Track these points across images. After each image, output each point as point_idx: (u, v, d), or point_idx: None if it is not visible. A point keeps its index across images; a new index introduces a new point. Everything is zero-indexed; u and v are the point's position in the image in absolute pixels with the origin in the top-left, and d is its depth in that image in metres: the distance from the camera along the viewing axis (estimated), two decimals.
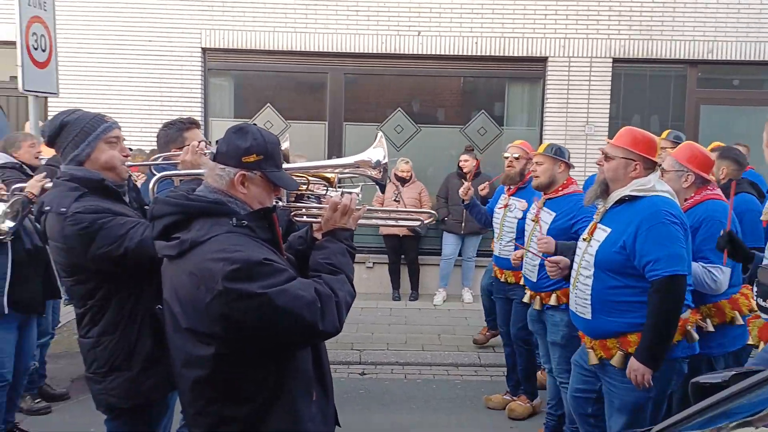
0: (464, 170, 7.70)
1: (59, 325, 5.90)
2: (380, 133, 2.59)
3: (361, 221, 2.35)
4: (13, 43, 6.21)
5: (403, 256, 8.38)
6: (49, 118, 7.95)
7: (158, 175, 2.67)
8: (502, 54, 8.49)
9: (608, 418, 3.23)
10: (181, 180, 2.68)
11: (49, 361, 5.34)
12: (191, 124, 3.37)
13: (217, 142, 3.24)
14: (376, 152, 2.45)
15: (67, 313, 6.57)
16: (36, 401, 4.95)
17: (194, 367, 2.00)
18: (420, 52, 8.51)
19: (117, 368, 2.60)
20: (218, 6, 8.44)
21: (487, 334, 6.46)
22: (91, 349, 2.64)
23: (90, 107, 2.99)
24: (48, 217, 2.57)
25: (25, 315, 4.25)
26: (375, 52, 8.49)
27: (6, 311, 4.03)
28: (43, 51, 6.31)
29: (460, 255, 8.19)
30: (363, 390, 5.68)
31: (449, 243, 8.13)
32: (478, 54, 8.50)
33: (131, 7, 8.41)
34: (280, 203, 2.29)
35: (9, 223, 3.21)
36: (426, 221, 2.52)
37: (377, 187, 2.53)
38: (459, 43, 8.47)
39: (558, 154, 4.27)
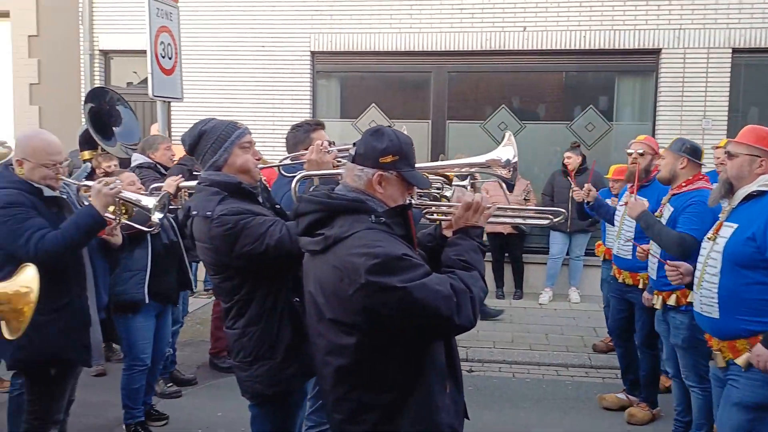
0: (568, 168, 7.56)
1: (186, 314, 6.32)
2: (509, 133, 2.63)
3: (490, 219, 2.40)
4: (139, 52, 6.70)
5: (507, 254, 8.33)
6: (173, 121, 8.46)
7: (299, 175, 2.83)
8: (611, 47, 8.25)
9: (720, 413, 3.12)
10: (320, 180, 2.83)
11: (177, 349, 5.73)
12: (317, 125, 3.53)
13: (333, 143, 3.40)
14: (506, 151, 2.49)
15: (191, 303, 7.02)
16: (168, 385, 5.33)
17: (337, 356, 2.13)
18: (525, 48, 8.42)
19: (262, 357, 2.76)
20: (326, 10, 8.70)
21: (610, 344, 6.15)
22: (237, 340, 2.81)
23: (208, 111, 3.22)
24: (195, 220, 2.76)
25: (162, 305, 4.60)
26: (479, 49, 8.48)
27: (146, 301, 4.38)
28: (170, 59, 6.77)
29: (567, 254, 8.05)
30: (472, 387, 5.71)
31: (557, 242, 8.00)
32: (586, 48, 8.30)
33: (246, 16, 8.83)
34: (414, 201, 2.38)
35: (158, 215, 3.52)
36: (555, 219, 2.53)
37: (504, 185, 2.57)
38: (565, 37, 8.31)
39: (681, 149, 4.13)
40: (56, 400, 3.37)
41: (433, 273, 2.07)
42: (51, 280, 3.18)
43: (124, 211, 3.60)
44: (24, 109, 9.31)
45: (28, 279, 1.38)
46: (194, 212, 2.76)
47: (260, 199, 2.90)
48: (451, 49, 8.54)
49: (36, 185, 3.23)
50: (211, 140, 2.78)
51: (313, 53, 8.84)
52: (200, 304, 7.75)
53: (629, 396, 5.06)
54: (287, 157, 3.49)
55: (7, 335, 1.36)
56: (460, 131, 8.85)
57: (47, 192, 3.26)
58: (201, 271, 6.86)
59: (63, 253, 3.13)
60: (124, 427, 4.54)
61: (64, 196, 3.48)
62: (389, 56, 8.77)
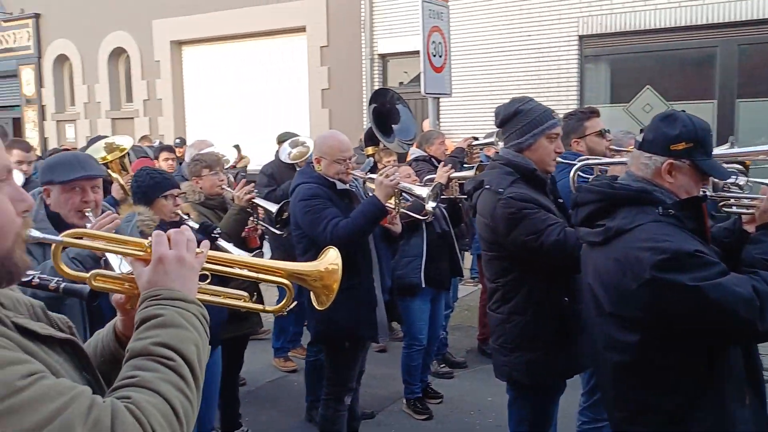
0: None
1: (456, 300, 6.60)
2: None
3: None
4: (412, 53, 7.12)
5: None
6: (441, 115, 8.80)
7: (579, 163, 2.79)
8: None
9: None
10: (600, 169, 2.76)
11: (448, 332, 6.02)
12: (592, 113, 3.42)
13: (607, 131, 3.25)
14: None
15: (459, 290, 7.31)
16: (441, 366, 5.65)
17: (616, 352, 2.06)
18: None
19: (521, 347, 2.80)
20: None
21: None
22: (500, 324, 2.88)
23: (473, 105, 3.31)
24: (483, 193, 2.86)
25: (436, 290, 4.89)
26: None
27: (423, 285, 4.69)
28: (440, 57, 7.09)
29: None
30: None
31: None
32: None
33: (511, 7, 8.87)
34: (709, 192, 2.20)
35: (431, 204, 3.76)
36: None
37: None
38: None
39: None
40: (350, 370, 3.79)
41: (730, 272, 1.90)
42: (344, 263, 3.58)
43: (401, 202, 3.88)
44: (317, 113, 10.54)
45: (333, 258, 1.60)
46: (487, 186, 2.84)
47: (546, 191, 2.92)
48: (742, 18, 7.58)
49: (330, 179, 3.64)
50: (523, 122, 2.82)
51: (580, 37, 8.55)
52: (467, 291, 8.01)
53: None
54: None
55: (317, 307, 1.60)
56: (752, 110, 7.83)
57: (339, 185, 3.65)
58: (468, 259, 7.11)
59: (353, 239, 3.48)
60: (404, 400, 4.92)
61: (353, 189, 3.86)
62: (666, 33, 8.10)
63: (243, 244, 4.00)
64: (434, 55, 7.01)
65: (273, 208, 4.18)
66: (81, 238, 1.32)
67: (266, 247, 5.36)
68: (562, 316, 2.74)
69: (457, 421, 4.79)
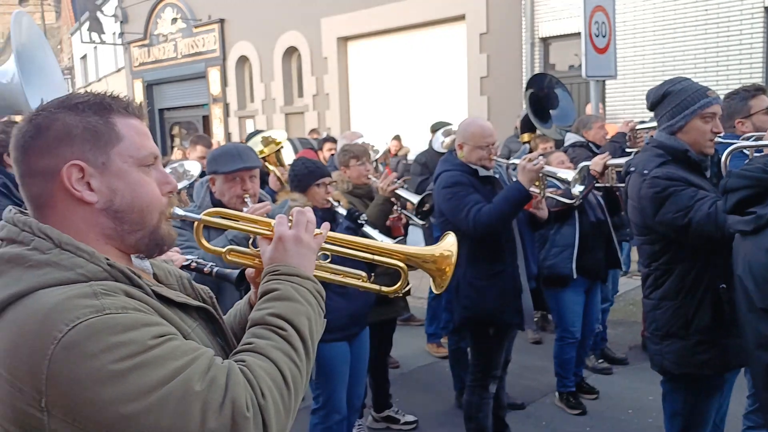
0: None
1: (617, 294, 6.30)
2: None
3: None
4: (575, 35, 6.85)
5: None
6: (607, 98, 8.39)
7: (732, 146, 2.58)
8: None
9: None
10: (756, 152, 2.53)
11: (608, 327, 5.76)
12: (757, 90, 3.11)
13: None
14: None
15: (623, 283, 6.96)
16: (599, 361, 5.43)
17: None
18: None
19: (673, 334, 2.67)
20: None
21: None
22: (651, 311, 2.77)
23: (643, 86, 3.12)
24: (632, 177, 2.80)
25: (590, 281, 4.70)
26: None
27: (574, 276, 4.53)
28: (603, 37, 6.76)
29: None
30: None
31: None
32: None
33: None
34: None
35: (578, 188, 3.63)
36: None
37: None
38: None
39: None
40: (494, 357, 3.79)
41: None
42: (488, 249, 3.59)
43: (547, 187, 3.79)
44: (476, 101, 10.52)
45: (449, 244, 1.64)
46: (632, 169, 2.80)
47: (708, 174, 2.75)
48: None
49: (473, 166, 3.65)
50: (673, 103, 2.72)
51: (767, 9, 7.68)
52: (634, 285, 7.59)
53: None
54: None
55: (434, 290, 1.66)
56: None
57: (482, 172, 3.64)
58: (635, 251, 6.73)
59: (496, 225, 3.46)
60: (556, 393, 4.81)
61: (497, 175, 3.84)
62: None
63: (387, 233, 4.14)
64: (597, 36, 6.70)
65: (415, 199, 4.27)
66: (218, 217, 1.48)
67: (418, 236, 5.49)
68: (717, 304, 2.56)
69: (612, 418, 4.59)
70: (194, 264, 2.31)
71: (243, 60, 15.04)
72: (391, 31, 11.83)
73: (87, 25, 18.27)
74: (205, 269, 2.30)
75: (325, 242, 1.47)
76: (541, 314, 6.16)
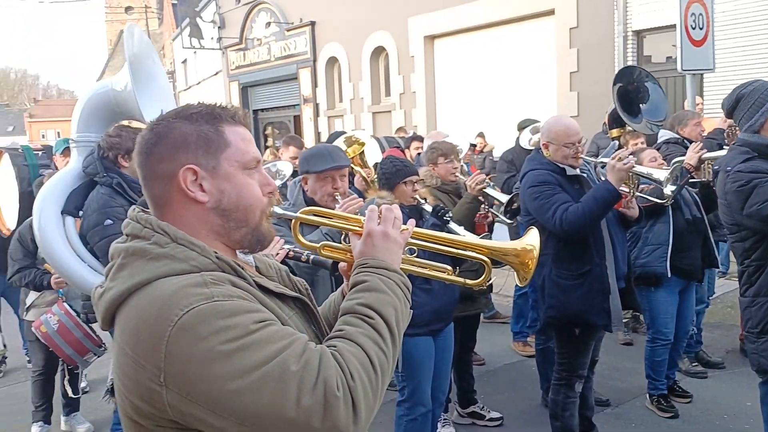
0: None
1: (713, 295, 6.05)
2: None
3: None
4: (671, 27, 6.61)
5: None
6: (705, 93, 8.11)
7: None
8: None
9: None
10: None
11: (704, 330, 5.55)
12: None
13: None
14: None
15: (721, 285, 6.67)
16: (693, 364, 5.25)
17: None
18: None
19: (766, 331, 2.62)
20: None
21: None
22: (746, 308, 2.77)
23: (744, 79, 3.06)
24: (719, 176, 2.82)
25: (685, 281, 4.56)
26: None
27: (668, 275, 4.41)
28: (700, 29, 6.49)
29: None
30: None
31: None
32: None
33: None
34: None
35: (670, 188, 3.54)
36: None
37: None
38: None
39: None
40: (580, 357, 3.76)
41: None
42: (575, 248, 3.57)
43: (638, 185, 3.71)
44: (565, 96, 10.32)
45: (532, 239, 1.71)
46: (716, 167, 2.85)
47: None
48: None
49: (560, 165, 3.63)
50: (748, 104, 2.79)
51: None
52: (732, 286, 7.25)
53: None
54: None
55: (518, 283, 1.73)
56: None
57: (569, 171, 3.62)
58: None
59: (583, 224, 3.43)
60: (647, 396, 4.70)
61: (584, 174, 3.80)
62: None
63: (472, 230, 4.19)
64: (693, 29, 6.45)
65: (503, 198, 4.29)
66: (313, 215, 1.61)
67: (504, 234, 5.49)
68: None
69: (705, 422, 4.44)
70: (292, 252, 2.49)
71: (332, 61, 15.40)
72: (477, 28, 11.79)
73: (187, 31, 19.25)
74: (303, 257, 2.48)
75: (411, 237, 1.56)
76: (633, 315, 6.01)
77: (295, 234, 1.62)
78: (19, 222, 4.94)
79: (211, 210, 1.34)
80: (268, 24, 16.86)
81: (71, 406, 4.90)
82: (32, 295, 4.66)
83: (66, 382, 4.65)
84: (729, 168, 2.69)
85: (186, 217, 1.33)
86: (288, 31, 16.29)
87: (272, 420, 1.15)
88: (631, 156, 3.49)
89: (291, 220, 1.60)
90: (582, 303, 3.54)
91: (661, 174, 3.55)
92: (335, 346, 1.26)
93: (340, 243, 1.62)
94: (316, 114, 16.02)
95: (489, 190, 4.26)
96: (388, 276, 1.40)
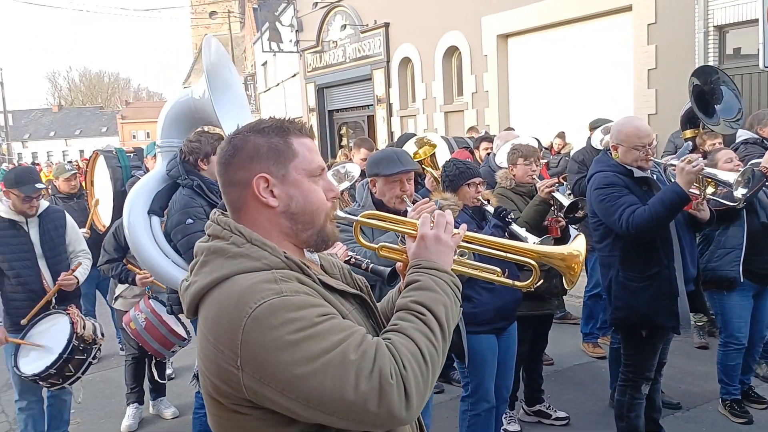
0: None
1: None
2: None
3: None
4: (753, 22, 6.38)
5: None
6: None
7: None
8: None
9: None
10: None
11: None
12: None
13: None
14: None
15: None
16: None
17: None
18: None
19: None
20: None
21: None
22: None
23: None
24: None
25: (759, 286, 4.44)
26: None
27: (741, 279, 4.31)
28: None
29: None
30: None
31: None
32: None
33: None
34: None
35: (741, 191, 3.45)
36: None
37: None
38: None
39: None
40: (647, 359, 3.75)
41: None
42: (642, 250, 3.57)
43: (707, 188, 3.65)
44: (642, 94, 10.05)
45: (578, 245, 1.78)
46: None
47: None
48: None
49: (628, 167, 3.62)
50: None
51: None
52: None
53: None
54: None
55: (566, 286, 1.81)
56: None
57: (637, 173, 3.60)
58: None
59: (650, 227, 3.42)
60: (720, 400, 4.61)
61: (654, 176, 3.77)
62: None
63: (544, 233, 4.24)
64: None
65: (567, 203, 4.30)
66: (372, 219, 1.75)
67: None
68: None
69: None
70: (353, 260, 2.63)
71: (405, 61, 15.55)
72: (551, 26, 11.64)
73: (267, 35, 19.88)
74: (363, 265, 2.60)
75: (463, 241, 1.69)
76: (709, 319, 5.87)
77: (356, 235, 1.77)
78: (113, 220, 5.35)
79: (281, 213, 1.51)
80: (344, 26, 17.20)
81: (158, 391, 5.28)
82: (121, 286, 5.06)
83: (153, 369, 5.01)
84: None
85: (259, 220, 1.50)
86: (363, 32, 16.56)
87: (333, 403, 1.29)
88: (700, 158, 3.45)
89: (353, 222, 1.76)
90: (649, 305, 3.54)
91: (731, 177, 3.45)
92: (390, 339, 1.39)
93: (398, 245, 1.76)
94: (389, 114, 16.21)
95: (557, 194, 4.29)
96: (439, 276, 1.53)
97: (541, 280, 1.77)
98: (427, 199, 3.25)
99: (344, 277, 1.69)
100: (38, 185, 4.28)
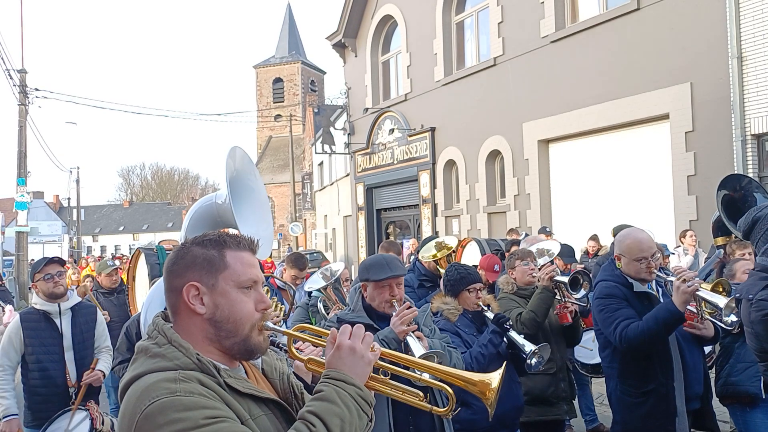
0: None
1: None
2: None
3: None
4: None
5: None
6: None
7: None
8: None
9: None
10: None
11: None
12: None
13: None
14: None
15: None
16: None
17: None
18: None
19: None
20: None
21: None
22: None
23: None
24: (742, 303, 2.73)
25: None
26: None
27: (763, 396, 4.08)
28: None
29: None
30: None
31: None
32: None
33: None
34: None
35: (733, 318, 3.33)
36: None
37: None
38: None
39: None
40: None
41: None
42: (638, 365, 3.49)
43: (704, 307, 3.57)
44: (683, 200, 9.96)
45: (494, 374, 1.80)
46: (737, 294, 2.77)
47: None
48: None
49: (630, 280, 3.60)
50: (765, 227, 2.70)
51: None
52: None
53: None
54: None
55: (485, 404, 1.81)
56: None
57: (637, 287, 3.57)
58: None
59: (642, 343, 3.35)
60: None
61: (660, 289, 3.71)
62: None
63: (556, 323, 4.25)
64: None
65: (567, 279, 4.32)
66: (303, 332, 1.81)
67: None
68: None
69: None
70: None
71: (450, 164, 15.93)
72: (591, 132, 11.83)
73: (321, 138, 20.82)
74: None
75: (382, 360, 1.72)
76: None
77: (290, 348, 1.84)
78: None
79: (207, 320, 1.62)
80: (392, 130, 17.87)
81: None
82: None
83: None
84: (751, 296, 2.55)
85: (189, 325, 1.63)
86: (410, 136, 17.15)
87: None
88: (696, 278, 3.39)
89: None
90: (643, 422, 3.42)
91: (722, 301, 3.28)
92: None
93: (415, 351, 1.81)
94: (434, 214, 16.46)
95: (559, 278, 4.30)
96: (344, 388, 1.58)
97: (458, 409, 1.79)
98: (408, 303, 3.28)
99: (282, 381, 1.76)
100: (59, 266, 4.56)
